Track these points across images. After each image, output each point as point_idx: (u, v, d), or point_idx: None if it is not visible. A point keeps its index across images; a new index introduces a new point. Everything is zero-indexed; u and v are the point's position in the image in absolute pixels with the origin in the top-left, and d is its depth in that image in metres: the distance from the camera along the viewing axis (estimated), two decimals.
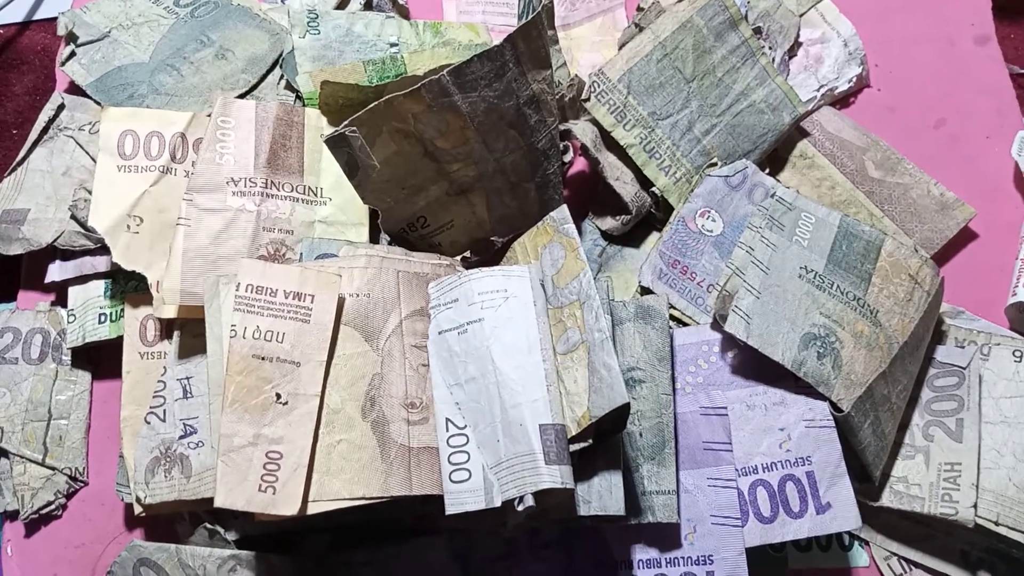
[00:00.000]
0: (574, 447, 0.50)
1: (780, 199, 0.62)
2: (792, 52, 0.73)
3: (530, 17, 0.54)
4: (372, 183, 0.56)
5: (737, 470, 0.54)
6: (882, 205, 0.68)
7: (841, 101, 0.73)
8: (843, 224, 0.61)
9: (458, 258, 0.62)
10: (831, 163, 0.69)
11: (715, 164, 0.64)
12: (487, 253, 0.63)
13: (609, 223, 0.65)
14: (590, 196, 0.67)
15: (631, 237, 0.66)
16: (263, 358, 0.50)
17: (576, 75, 0.65)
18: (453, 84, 0.53)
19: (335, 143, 0.53)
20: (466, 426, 0.51)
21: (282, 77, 0.66)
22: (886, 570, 0.59)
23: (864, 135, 0.70)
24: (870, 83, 0.74)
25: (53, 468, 0.59)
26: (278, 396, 0.50)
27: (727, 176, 0.63)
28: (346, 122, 0.53)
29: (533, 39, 0.54)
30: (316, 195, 0.61)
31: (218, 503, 0.47)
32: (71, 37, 0.67)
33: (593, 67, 0.70)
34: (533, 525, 0.54)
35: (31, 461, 0.59)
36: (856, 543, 0.60)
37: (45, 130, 0.65)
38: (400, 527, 0.55)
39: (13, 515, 0.59)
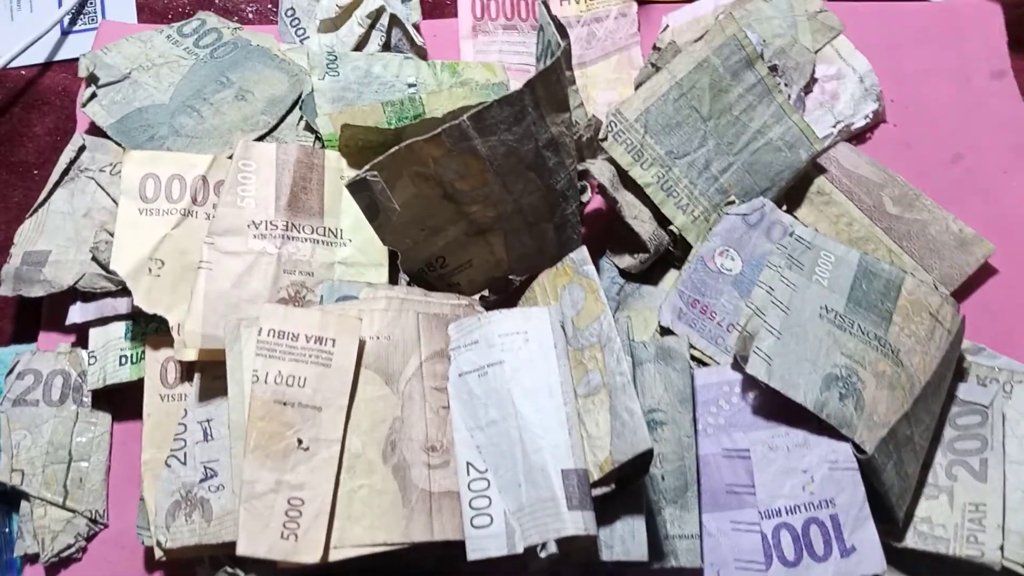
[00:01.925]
0: (596, 492, 0.50)
1: (799, 237, 0.62)
2: (808, 89, 0.73)
3: (549, 61, 0.54)
4: (392, 225, 0.56)
5: (760, 513, 0.54)
6: (900, 241, 0.68)
7: (857, 137, 0.73)
8: (863, 262, 0.61)
9: (476, 297, 0.62)
10: (849, 199, 0.69)
11: (733, 202, 0.64)
12: (505, 292, 0.64)
13: (627, 261, 0.65)
14: (608, 234, 0.68)
15: (649, 275, 0.66)
16: (285, 403, 0.50)
17: (593, 115, 0.65)
18: (473, 129, 0.53)
19: (356, 187, 0.54)
20: (487, 470, 0.51)
21: (301, 118, 0.67)
22: None
23: (881, 171, 0.70)
24: (886, 118, 0.74)
25: (73, 511, 0.59)
26: (300, 441, 0.50)
27: (745, 214, 0.63)
28: (367, 167, 0.53)
29: (552, 83, 0.55)
30: (336, 236, 0.61)
31: (240, 551, 0.47)
32: (92, 79, 0.67)
33: (609, 105, 0.70)
34: (554, 570, 0.53)
35: (52, 504, 0.59)
36: None
37: (66, 171, 0.66)
38: (421, 571, 0.55)
39: (34, 558, 0.59)
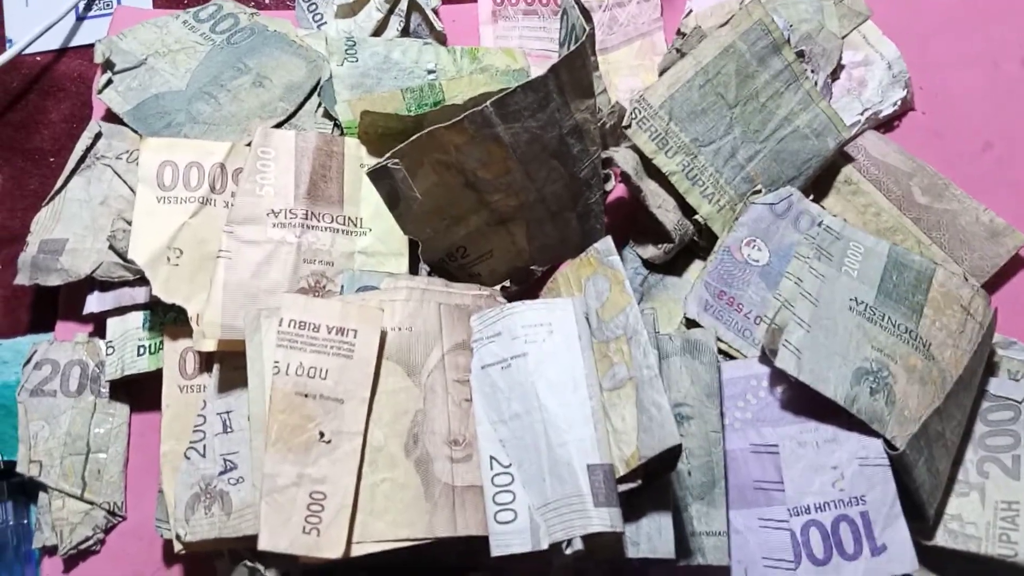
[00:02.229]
0: (622, 487, 0.49)
1: (828, 228, 0.61)
2: (835, 75, 0.71)
3: (574, 46, 0.53)
4: (413, 214, 0.55)
5: (789, 510, 0.53)
6: (930, 232, 0.67)
7: (885, 125, 0.72)
8: (892, 254, 0.60)
9: (498, 288, 0.61)
10: (877, 189, 0.68)
11: (759, 191, 0.63)
12: (527, 283, 0.63)
13: (651, 251, 0.64)
14: (631, 224, 0.66)
15: (673, 265, 0.65)
16: (306, 395, 0.49)
17: (617, 101, 0.64)
18: (496, 115, 0.52)
19: (377, 175, 0.53)
20: (511, 464, 0.50)
21: (320, 105, 0.65)
22: None
23: (910, 160, 0.69)
24: (914, 106, 0.73)
25: (91, 503, 0.59)
26: (321, 434, 0.49)
27: (772, 204, 0.62)
28: (388, 154, 0.52)
29: (577, 68, 0.53)
30: (356, 225, 0.60)
31: (261, 546, 0.46)
32: (108, 65, 0.66)
33: (631, 91, 0.69)
34: (579, 566, 0.53)
35: (69, 495, 0.58)
36: None
37: (82, 159, 0.65)
38: (443, 566, 0.54)
39: (52, 550, 0.58)
